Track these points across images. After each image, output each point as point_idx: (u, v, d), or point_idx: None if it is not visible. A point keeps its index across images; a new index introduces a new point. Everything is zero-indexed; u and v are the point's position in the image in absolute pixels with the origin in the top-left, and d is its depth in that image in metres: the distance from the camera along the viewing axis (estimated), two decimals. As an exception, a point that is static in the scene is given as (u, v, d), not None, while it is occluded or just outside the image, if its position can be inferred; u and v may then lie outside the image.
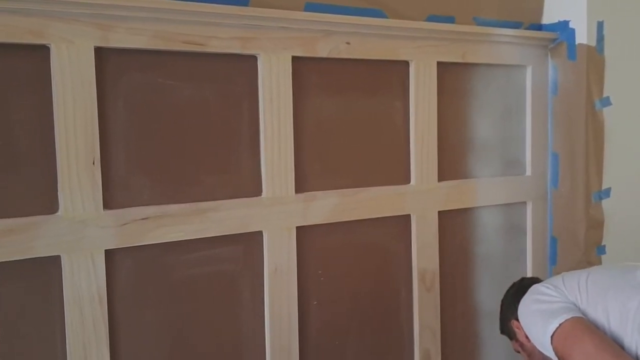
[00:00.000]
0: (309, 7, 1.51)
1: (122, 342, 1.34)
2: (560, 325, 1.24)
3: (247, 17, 1.40)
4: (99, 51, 1.28)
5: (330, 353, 1.63)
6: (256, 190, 1.48)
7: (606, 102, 1.92)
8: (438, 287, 1.76)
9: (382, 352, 1.71)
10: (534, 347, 1.37)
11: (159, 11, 1.30)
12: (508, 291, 1.56)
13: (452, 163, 1.79)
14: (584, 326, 1.23)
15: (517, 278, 1.93)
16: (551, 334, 1.24)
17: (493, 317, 1.91)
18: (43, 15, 1.20)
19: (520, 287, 1.48)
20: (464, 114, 1.81)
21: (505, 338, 1.92)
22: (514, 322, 1.47)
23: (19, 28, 1.18)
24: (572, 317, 1.24)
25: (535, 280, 1.50)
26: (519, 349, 1.51)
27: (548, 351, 1.27)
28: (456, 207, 1.79)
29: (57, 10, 1.21)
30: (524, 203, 1.94)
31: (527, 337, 1.40)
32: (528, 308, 1.35)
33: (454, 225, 1.81)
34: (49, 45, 1.22)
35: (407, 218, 1.71)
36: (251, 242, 1.48)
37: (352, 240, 1.63)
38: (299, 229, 1.53)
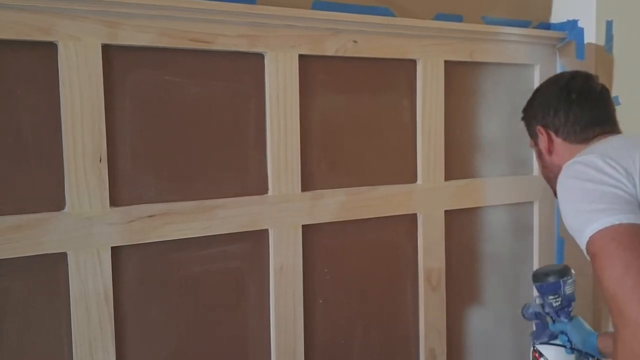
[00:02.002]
0: (317, 5, 1.51)
1: (128, 338, 1.35)
2: (604, 228, 1.03)
3: (254, 15, 1.40)
4: (106, 48, 1.28)
5: (336, 351, 1.62)
6: (262, 188, 1.48)
7: (615, 101, 1.91)
8: (444, 287, 1.76)
9: (388, 351, 1.71)
10: (553, 165, 1.28)
11: (166, 8, 1.30)
12: (548, 85, 1.38)
13: (459, 162, 1.78)
14: (627, 239, 1.01)
15: (523, 278, 1.94)
16: (589, 236, 1.05)
17: (499, 317, 1.91)
18: (51, 12, 1.20)
19: (568, 92, 1.30)
20: (471, 113, 1.80)
21: (511, 340, 1.91)
22: (540, 128, 1.33)
23: (28, 25, 1.19)
24: (621, 224, 1.02)
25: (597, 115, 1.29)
26: (536, 154, 1.39)
27: (581, 244, 1.09)
28: (463, 207, 1.78)
29: (65, 8, 1.21)
30: (531, 203, 1.94)
31: (549, 150, 1.31)
32: (572, 183, 1.13)
33: (461, 225, 1.81)
34: (56, 43, 1.22)
35: (413, 217, 1.70)
36: (257, 240, 1.48)
37: (358, 238, 1.63)
38: (305, 227, 1.53)
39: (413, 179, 1.70)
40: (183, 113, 1.38)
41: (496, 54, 1.79)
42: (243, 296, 1.48)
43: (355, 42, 1.55)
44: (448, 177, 1.75)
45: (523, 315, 1.51)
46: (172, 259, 1.39)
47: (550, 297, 1.41)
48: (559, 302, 1.41)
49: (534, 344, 1.46)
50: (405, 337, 1.73)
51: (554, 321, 1.45)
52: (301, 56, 1.49)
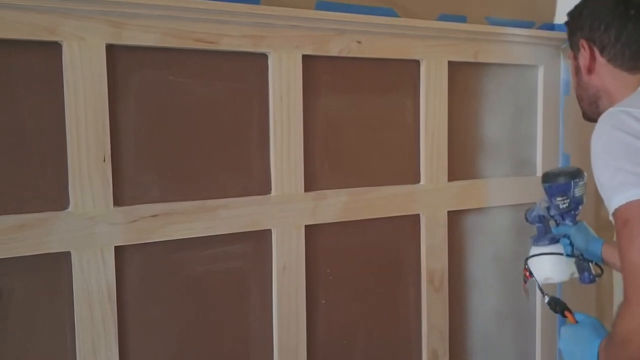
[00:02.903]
0: (320, 6, 1.51)
1: (131, 337, 1.35)
2: (628, 203, 0.95)
3: (258, 15, 1.40)
4: (111, 48, 1.28)
5: (338, 352, 1.62)
6: (265, 189, 1.48)
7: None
8: (447, 288, 1.76)
9: (390, 352, 1.71)
10: (590, 86, 1.17)
11: (171, 9, 1.30)
12: None
13: (462, 163, 1.78)
14: None
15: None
16: (628, 201, 0.96)
17: (502, 318, 1.91)
18: (56, 12, 1.21)
19: (626, 6, 1.14)
20: (475, 114, 1.80)
21: (514, 341, 1.91)
22: (583, 42, 1.19)
23: (33, 25, 1.19)
24: None
25: None
26: (572, 69, 1.27)
27: (610, 205, 0.99)
28: (466, 207, 1.78)
29: (70, 8, 1.21)
30: (535, 204, 1.93)
31: (589, 68, 1.18)
32: (616, 135, 1.01)
33: (464, 226, 1.81)
34: (61, 42, 1.23)
35: (416, 218, 1.70)
36: (260, 240, 1.48)
37: (361, 239, 1.63)
38: (308, 227, 1.53)
39: (416, 179, 1.70)
40: (187, 113, 1.38)
41: (500, 54, 1.79)
42: (245, 296, 1.48)
43: (359, 42, 1.55)
44: (451, 177, 1.74)
45: (526, 218, 1.46)
46: (175, 258, 1.39)
47: (559, 198, 1.35)
48: (567, 205, 1.35)
49: (525, 261, 1.40)
50: (408, 338, 1.73)
51: (557, 224, 1.39)
52: (305, 56, 1.49)
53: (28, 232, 1.21)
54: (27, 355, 1.25)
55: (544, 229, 1.42)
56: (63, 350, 1.28)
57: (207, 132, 1.41)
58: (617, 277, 2.07)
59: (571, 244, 1.38)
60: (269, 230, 1.48)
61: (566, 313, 1.19)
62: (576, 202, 1.36)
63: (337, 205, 1.56)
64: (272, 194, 1.48)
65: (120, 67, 1.30)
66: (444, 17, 1.71)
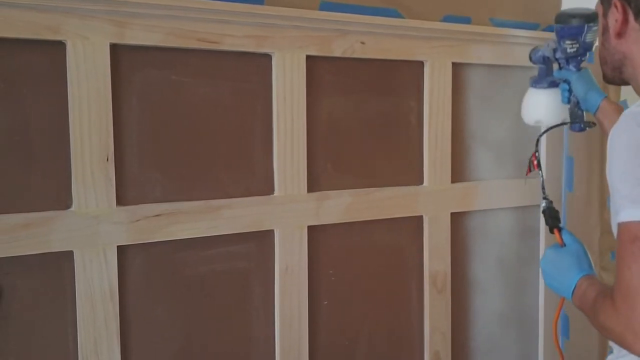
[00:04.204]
0: (324, 6, 1.51)
1: (133, 337, 1.35)
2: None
3: (261, 16, 1.40)
4: (114, 48, 1.28)
5: (340, 353, 1.62)
6: (268, 189, 1.48)
7: (623, 105, 1.90)
8: (449, 289, 1.75)
9: (392, 354, 1.70)
10: (617, 51, 1.08)
11: (174, 8, 1.30)
12: None
13: (465, 164, 1.78)
14: None
15: (529, 282, 1.93)
16: (627, 220, 0.92)
17: (504, 320, 1.90)
18: (59, 11, 1.21)
19: None
20: (479, 115, 1.80)
21: (516, 344, 1.90)
22: (617, 1, 1.06)
23: (36, 24, 1.19)
24: None
25: None
26: (600, 28, 1.14)
27: (619, 214, 0.93)
28: (469, 209, 1.78)
29: (74, 7, 1.21)
30: (538, 206, 1.92)
31: (619, 32, 1.07)
32: (631, 144, 0.93)
33: (467, 227, 1.80)
34: (64, 42, 1.23)
35: (419, 219, 1.70)
36: (263, 240, 1.48)
37: (364, 240, 1.63)
38: (311, 228, 1.53)
39: (419, 180, 1.69)
40: (190, 113, 1.38)
41: (504, 56, 1.78)
42: (248, 296, 1.48)
43: (362, 43, 1.55)
44: (454, 179, 1.74)
45: (530, 57, 1.39)
46: (178, 258, 1.39)
47: (568, 41, 1.29)
48: (575, 49, 1.29)
49: (537, 143, 1.30)
50: (410, 339, 1.73)
51: (560, 68, 1.33)
52: (308, 57, 1.49)
53: (31, 231, 1.21)
54: (29, 354, 1.25)
55: (546, 70, 1.36)
56: (65, 349, 1.28)
57: (210, 132, 1.41)
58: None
59: (569, 91, 1.32)
60: (272, 231, 1.48)
61: (555, 231, 1.15)
62: (585, 48, 1.28)
63: (340, 206, 1.56)
64: (275, 195, 1.48)
65: (123, 67, 1.30)
66: (448, 18, 1.71)
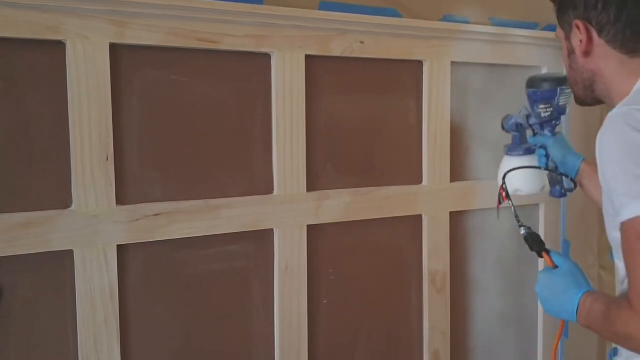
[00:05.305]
0: (324, 6, 1.51)
1: (133, 336, 1.35)
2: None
3: (261, 15, 1.40)
4: (114, 48, 1.28)
5: (340, 352, 1.63)
6: (268, 188, 1.48)
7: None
8: (449, 289, 1.75)
9: (392, 353, 1.71)
10: (586, 70, 1.09)
11: (174, 8, 1.31)
12: None
13: (464, 164, 1.78)
14: None
15: (528, 281, 1.93)
16: (630, 217, 0.91)
17: (503, 320, 1.90)
18: (60, 11, 1.21)
19: None
20: (478, 115, 1.80)
21: (515, 342, 1.90)
22: (578, 22, 1.08)
23: (37, 24, 1.19)
24: None
25: None
26: (565, 52, 1.16)
27: (621, 213, 0.93)
28: (468, 208, 1.78)
29: (74, 7, 1.22)
30: (537, 205, 1.93)
31: (586, 51, 1.08)
32: (635, 136, 0.92)
33: (466, 227, 1.80)
34: (64, 42, 1.23)
35: (418, 218, 1.70)
36: (262, 240, 1.48)
37: (363, 239, 1.63)
38: (310, 227, 1.53)
39: (418, 180, 1.70)
40: (189, 112, 1.39)
41: (503, 55, 1.79)
42: (248, 296, 1.49)
43: (362, 43, 1.55)
44: (454, 178, 1.74)
45: (502, 126, 1.39)
46: (178, 257, 1.39)
47: (542, 106, 1.28)
48: (549, 113, 1.28)
49: (504, 177, 1.29)
50: (410, 338, 1.73)
51: (535, 134, 1.32)
52: (308, 56, 1.49)
53: (31, 231, 1.22)
54: (29, 353, 1.26)
55: (520, 138, 1.36)
56: (65, 348, 1.29)
57: (209, 132, 1.41)
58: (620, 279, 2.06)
59: (547, 156, 1.31)
60: (272, 230, 1.48)
61: (544, 254, 1.10)
62: (559, 112, 1.29)
63: (339, 205, 1.56)
64: (274, 194, 1.48)
65: (123, 67, 1.30)
66: (447, 18, 1.71)
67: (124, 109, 1.31)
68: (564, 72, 1.23)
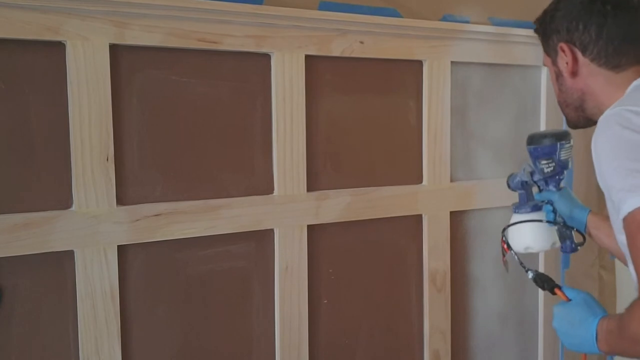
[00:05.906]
0: (323, 6, 1.51)
1: (133, 336, 1.35)
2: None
3: (261, 16, 1.40)
4: (114, 48, 1.29)
5: (340, 352, 1.63)
6: (268, 188, 1.48)
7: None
8: (449, 288, 1.76)
9: (392, 352, 1.71)
10: (575, 90, 1.13)
11: (174, 9, 1.31)
12: None
13: (465, 164, 1.78)
14: None
15: (528, 280, 1.93)
16: (630, 210, 0.93)
17: (504, 319, 1.90)
18: (60, 12, 1.21)
19: (603, 2, 1.09)
20: (478, 114, 1.80)
21: (515, 342, 1.90)
22: (563, 45, 1.13)
23: (37, 25, 1.20)
24: None
25: None
26: (552, 76, 1.20)
27: (621, 207, 0.95)
28: (468, 208, 1.78)
29: (74, 8, 1.22)
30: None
31: (572, 71, 1.13)
32: (626, 135, 0.96)
33: (466, 226, 1.81)
34: (64, 42, 1.23)
35: (418, 218, 1.70)
36: (262, 239, 1.49)
37: (363, 239, 1.63)
38: (310, 227, 1.53)
39: (418, 179, 1.70)
40: (190, 113, 1.39)
41: (503, 55, 1.79)
42: (248, 296, 1.49)
43: (361, 42, 1.55)
44: (454, 178, 1.75)
45: (508, 185, 1.41)
46: (178, 257, 1.40)
47: (543, 161, 1.30)
48: (552, 168, 1.30)
49: (503, 231, 1.33)
50: (410, 338, 1.73)
51: (540, 190, 1.34)
52: (308, 57, 1.49)
53: (32, 231, 1.22)
54: (30, 353, 1.26)
55: (527, 195, 1.37)
56: (66, 349, 1.29)
57: (209, 132, 1.41)
58: (620, 280, 2.06)
59: (554, 211, 1.32)
60: (272, 230, 1.49)
61: (556, 290, 1.13)
62: (561, 166, 1.30)
63: (339, 205, 1.56)
64: (274, 194, 1.48)
65: (123, 67, 1.31)
66: (447, 18, 1.71)
67: (124, 110, 1.31)
68: (563, 127, 1.23)
